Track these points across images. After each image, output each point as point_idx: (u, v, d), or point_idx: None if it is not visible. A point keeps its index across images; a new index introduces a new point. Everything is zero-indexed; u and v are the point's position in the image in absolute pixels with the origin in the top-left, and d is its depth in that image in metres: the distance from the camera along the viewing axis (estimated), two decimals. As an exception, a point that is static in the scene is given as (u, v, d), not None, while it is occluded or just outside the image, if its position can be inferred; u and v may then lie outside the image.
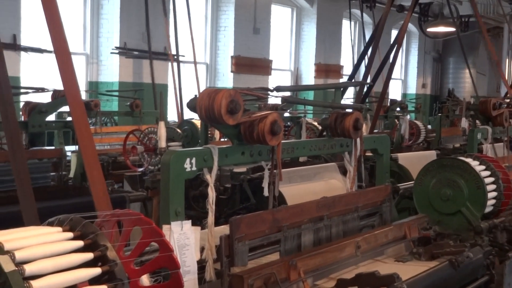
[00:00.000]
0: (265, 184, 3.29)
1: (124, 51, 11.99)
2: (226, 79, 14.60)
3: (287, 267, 2.92)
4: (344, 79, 17.79)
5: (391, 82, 21.41)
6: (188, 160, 2.85)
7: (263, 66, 15.36)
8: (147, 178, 6.32)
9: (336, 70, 17.95)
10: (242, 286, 2.68)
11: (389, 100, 12.11)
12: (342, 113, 3.75)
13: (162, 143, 2.51)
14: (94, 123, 10.60)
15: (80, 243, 1.76)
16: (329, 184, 5.22)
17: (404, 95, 22.35)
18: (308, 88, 5.32)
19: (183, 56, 12.45)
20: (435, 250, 3.64)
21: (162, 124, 2.71)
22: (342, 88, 8.61)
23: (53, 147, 6.95)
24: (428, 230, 4.03)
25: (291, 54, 17.30)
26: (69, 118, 8.70)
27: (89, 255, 1.74)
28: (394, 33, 17.78)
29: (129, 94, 10.80)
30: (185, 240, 2.79)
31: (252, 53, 15.00)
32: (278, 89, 3.17)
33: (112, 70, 12.05)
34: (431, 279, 3.27)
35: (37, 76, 10.79)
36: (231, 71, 14.57)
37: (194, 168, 2.87)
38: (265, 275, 2.79)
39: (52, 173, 5.92)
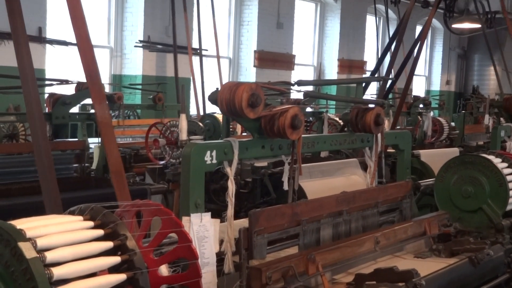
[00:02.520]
0: (285, 178, 3.31)
1: (147, 44, 12.05)
2: (249, 74, 14.60)
3: (306, 261, 2.92)
4: (367, 75, 17.71)
5: (415, 79, 21.35)
6: (208, 152, 2.87)
7: (286, 61, 15.34)
8: (168, 171, 6.38)
9: (360, 65, 17.86)
10: (260, 279, 2.70)
11: (412, 96, 12.04)
12: (363, 108, 3.74)
13: (184, 136, 2.53)
14: (117, 116, 10.71)
15: (100, 232, 1.79)
16: (350, 179, 5.21)
17: (428, 91, 22.17)
18: (328, 82, 5.30)
19: (206, 50, 12.49)
20: (455, 247, 3.63)
21: (183, 117, 2.72)
22: (364, 84, 8.59)
23: (76, 139, 7.02)
24: (449, 227, 4.01)
25: (314, 49, 17.25)
26: (93, 111, 8.80)
27: (109, 244, 1.77)
28: (418, 29, 17.65)
29: (152, 88, 10.86)
30: (205, 232, 2.81)
31: (275, 48, 14.99)
32: (300, 83, 3.18)
33: (135, 64, 12.12)
34: (450, 276, 3.26)
35: (62, 68, 10.90)
36: (254, 66, 14.57)
37: (214, 161, 2.89)
38: (283, 268, 2.80)
39: (75, 165, 5.98)
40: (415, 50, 8.80)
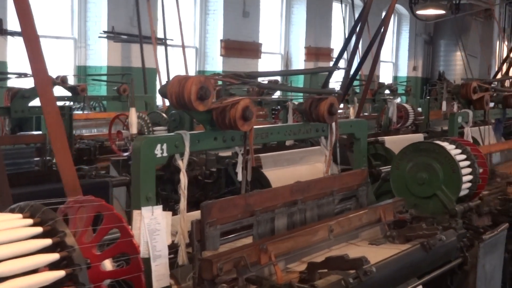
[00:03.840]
0: (238, 169, 3.33)
1: (112, 35, 11.95)
2: (216, 63, 14.59)
3: (258, 251, 2.95)
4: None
5: (382, 65, 21.50)
6: (159, 146, 2.87)
7: (252, 50, 15.35)
8: (131, 163, 6.35)
9: (327, 53, 17.96)
10: (211, 270, 2.72)
11: (377, 83, 12.14)
12: (317, 98, 3.78)
13: (133, 130, 2.52)
14: (82, 108, 10.62)
15: (39, 230, 1.79)
16: (315, 167, 5.28)
17: (395, 77, 22.37)
18: (280, 73, 5.32)
19: (172, 40, 12.42)
20: (409, 233, 3.69)
21: (133, 111, 2.71)
22: (328, 72, 8.62)
23: (39, 132, 6.97)
24: (405, 214, 4.08)
25: (281, 37, 17.28)
26: (58, 103, 8.72)
27: (47, 241, 1.77)
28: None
29: (116, 79, 10.79)
30: (156, 225, 2.82)
31: (242, 37, 14.99)
32: (250, 75, 3.20)
33: (100, 55, 12.03)
34: (402, 262, 3.32)
35: (25, 61, 10.75)
36: (221, 55, 14.56)
37: (165, 154, 2.90)
38: (235, 259, 2.83)
39: (36, 158, 5.94)
40: (379, 36, 8.84)
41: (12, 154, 5.81)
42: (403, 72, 23.00)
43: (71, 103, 9.99)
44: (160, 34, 12.08)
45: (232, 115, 3.08)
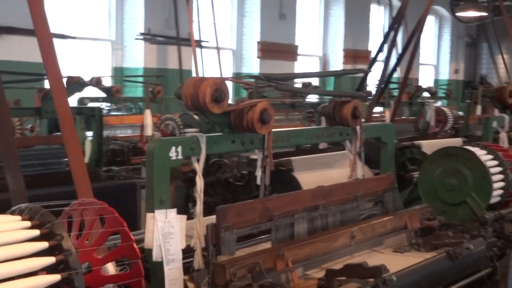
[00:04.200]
0: (257, 173, 3.27)
1: (148, 37, 12.02)
2: (252, 65, 14.56)
3: (274, 257, 2.89)
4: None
5: (423, 68, 21.17)
6: (173, 148, 2.83)
7: (289, 52, 15.27)
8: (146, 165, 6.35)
9: (364, 55, 17.76)
10: (224, 275, 2.66)
11: (414, 86, 11.92)
12: (341, 101, 3.69)
13: (148, 131, 2.49)
14: (118, 109, 10.70)
15: (36, 232, 1.76)
16: (348, 172, 5.17)
17: (436, 81, 22.01)
18: (298, 76, 5.21)
19: (207, 42, 12.43)
20: (435, 241, 3.57)
21: (148, 112, 2.68)
22: (364, 74, 8.50)
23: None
24: (432, 221, 3.96)
25: (318, 39, 17.16)
26: (90, 104, 8.79)
27: (44, 244, 1.74)
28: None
29: (152, 80, 10.83)
30: (170, 228, 2.78)
31: (278, 39, 14.92)
32: (267, 77, 3.14)
33: (136, 56, 12.11)
34: (426, 271, 3.21)
35: (60, 61, 10.89)
36: (257, 57, 14.52)
37: (180, 157, 2.86)
38: (250, 264, 2.77)
39: (66, 159, 5.98)
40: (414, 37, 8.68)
41: (43, 154, 5.88)
42: (445, 75, 22.61)
43: (106, 104, 10.10)
44: (196, 36, 12.08)
45: (250, 118, 3.02)
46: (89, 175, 5.45)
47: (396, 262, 3.30)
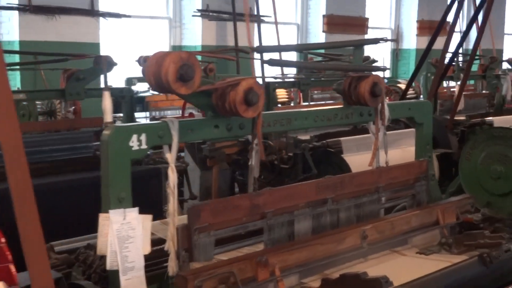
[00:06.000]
0: (250, 163, 2.81)
1: (206, 13, 11.65)
2: (317, 40, 13.94)
3: (254, 264, 2.43)
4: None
5: (508, 38, 19.76)
6: (135, 136, 2.41)
7: (358, 25, 14.53)
8: (205, 147, 6.01)
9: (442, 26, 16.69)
10: (187, 288, 2.24)
11: (491, 58, 10.99)
12: (357, 76, 3.15)
13: (107, 117, 2.11)
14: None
15: None
16: (408, 152, 4.61)
17: (524, 51, 20.56)
18: (298, 48, 4.62)
19: (269, 16, 11.93)
20: (467, 241, 3.00)
21: (106, 95, 2.27)
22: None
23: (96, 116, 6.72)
24: (473, 214, 3.38)
25: (391, 11, 16.27)
26: (139, 84, 8.51)
27: None
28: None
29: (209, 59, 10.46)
30: (129, 231, 2.37)
31: (346, 11, 14.21)
32: (259, 49, 2.65)
33: (194, 34, 11.78)
34: (447, 280, 2.66)
35: (117, 41, 10.72)
36: (323, 31, 13.88)
37: (144, 146, 2.43)
38: (221, 274, 2.32)
39: (96, 143, 5.71)
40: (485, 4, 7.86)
41: (69, 139, 5.62)
42: (533, 45, 21.12)
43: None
44: (255, 11, 11.61)
45: (232, 99, 2.55)
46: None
47: (415, 267, 2.78)
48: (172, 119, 2.53)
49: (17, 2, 9.23)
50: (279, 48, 2.83)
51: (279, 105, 9.28)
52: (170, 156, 2.53)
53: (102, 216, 2.34)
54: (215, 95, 2.61)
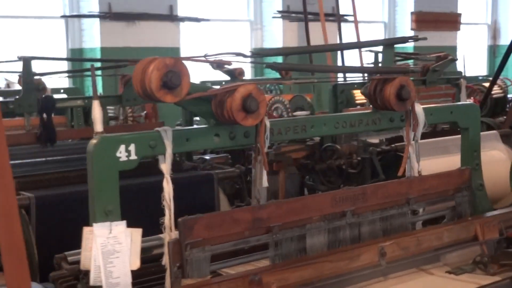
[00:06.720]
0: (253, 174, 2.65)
1: (287, 14, 11.51)
2: (406, 38, 13.42)
3: (247, 285, 2.27)
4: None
5: None
6: (123, 147, 2.31)
7: (450, 21, 13.89)
8: (270, 151, 5.90)
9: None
10: (167, 310, 2.11)
11: None
12: (383, 79, 2.91)
13: (97, 127, 2.02)
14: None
15: None
16: (486, 156, 4.30)
17: None
18: (307, 50, 4.27)
19: (351, 16, 11.60)
20: (504, 260, 2.70)
21: (96, 104, 2.18)
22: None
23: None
24: (524, 229, 3.05)
25: (487, 4, 15.44)
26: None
27: None
28: None
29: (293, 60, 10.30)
30: (115, 245, 2.28)
31: (436, 7, 13.62)
32: (260, 53, 2.49)
33: (275, 36, 11.67)
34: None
35: (197, 45, 10.80)
36: (411, 29, 13.38)
37: (133, 157, 2.33)
38: (208, 294, 2.18)
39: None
40: None
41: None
42: None
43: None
44: (342, 11, 11.31)
45: (229, 106, 2.40)
46: (147, 169, 5.10)
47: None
48: (166, 128, 2.41)
49: (98, 10, 9.49)
50: (280, 52, 2.65)
51: (358, 106, 8.99)
52: (165, 167, 2.41)
53: (86, 230, 2.26)
54: (214, 102, 2.47)
